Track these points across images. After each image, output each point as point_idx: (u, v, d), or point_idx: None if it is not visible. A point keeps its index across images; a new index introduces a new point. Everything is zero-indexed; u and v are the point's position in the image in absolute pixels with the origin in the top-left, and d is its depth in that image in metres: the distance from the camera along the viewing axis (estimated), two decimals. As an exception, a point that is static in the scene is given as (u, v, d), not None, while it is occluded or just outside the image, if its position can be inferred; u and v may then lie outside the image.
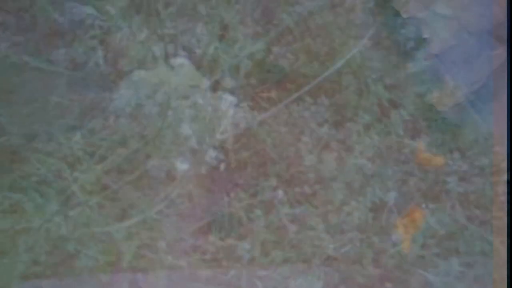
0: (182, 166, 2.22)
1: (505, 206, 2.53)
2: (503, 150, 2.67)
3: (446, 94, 2.45)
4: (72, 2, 2.23)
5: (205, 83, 2.31)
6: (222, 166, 2.29)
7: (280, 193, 2.23)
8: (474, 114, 2.64)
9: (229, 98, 2.33)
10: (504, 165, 2.61)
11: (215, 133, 2.23)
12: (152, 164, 2.17)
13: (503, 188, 2.60)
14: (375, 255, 2.26)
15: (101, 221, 2.07)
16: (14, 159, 2.14)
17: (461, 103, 2.46)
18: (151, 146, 2.20)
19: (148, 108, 2.27)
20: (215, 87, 2.37)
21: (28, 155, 2.13)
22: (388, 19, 2.50)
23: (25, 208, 2.07)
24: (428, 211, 2.36)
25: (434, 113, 2.60)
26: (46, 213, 2.06)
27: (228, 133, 2.24)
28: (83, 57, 2.29)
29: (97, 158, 2.18)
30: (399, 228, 2.30)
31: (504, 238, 2.43)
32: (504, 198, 2.57)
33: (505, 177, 2.60)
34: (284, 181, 2.30)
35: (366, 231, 2.31)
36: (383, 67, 2.59)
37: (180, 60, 2.32)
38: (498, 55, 2.56)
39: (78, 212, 2.06)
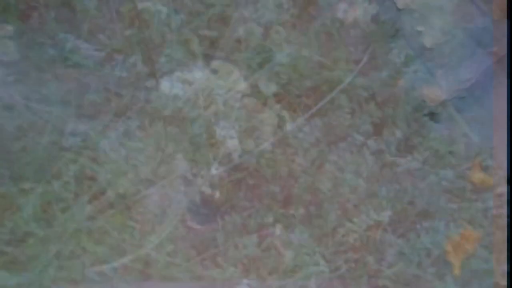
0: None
1: (499, 222, 2.55)
2: (497, 163, 2.70)
3: (436, 89, 2.45)
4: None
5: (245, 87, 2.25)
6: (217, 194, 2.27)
7: (277, 229, 2.22)
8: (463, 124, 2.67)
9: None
10: (497, 178, 2.64)
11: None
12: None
13: (497, 203, 2.63)
14: (370, 276, 2.26)
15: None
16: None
17: (451, 100, 2.47)
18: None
19: (187, 111, 2.18)
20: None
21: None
22: (381, 39, 2.52)
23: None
24: (423, 230, 2.37)
25: (427, 130, 2.62)
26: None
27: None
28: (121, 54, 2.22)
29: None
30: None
31: (499, 254, 2.45)
32: (497, 211, 2.60)
33: (498, 190, 2.63)
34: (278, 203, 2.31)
35: (361, 251, 2.31)
36: (374, 84, 2.60)
37: (222, 63, 2.25)
38: (493, 53, 2.55)
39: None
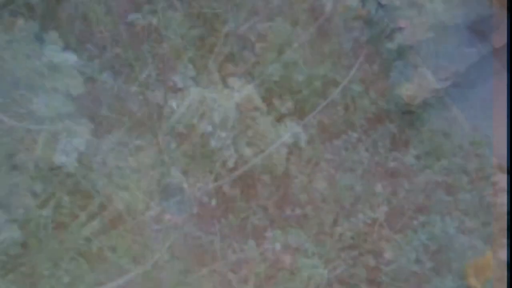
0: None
1: (495, 211, 2.56)
2: (490, 152, 2.70)
3: (415, 88, 2.44)
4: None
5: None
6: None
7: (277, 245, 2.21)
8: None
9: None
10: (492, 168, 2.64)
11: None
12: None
13: (490, 191, 2.63)
14: (368, 273, 2.28)
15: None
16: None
17: (429, 98, 2.47)
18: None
19: (202, 128, 2.13)
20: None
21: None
22: (374, 36, 2.48)
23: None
24: (420, 224, 2.37)
25: (421, 122, 2.61)
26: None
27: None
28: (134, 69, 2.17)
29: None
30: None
31: (496, 246, 2.46)
32: (492, 199, 2.61)
33: (492, 179, 2.63)
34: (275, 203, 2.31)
35: (359, 248, 2.32)
36: (366, 78, 2.58)
37: (239, 80, 2.20)
38: (474, 53, 2.54)
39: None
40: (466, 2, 2.50)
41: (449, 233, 2.36)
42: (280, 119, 2.28)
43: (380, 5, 2.41)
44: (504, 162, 2.62)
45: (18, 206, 1.85)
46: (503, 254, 2.50)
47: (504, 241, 2.50)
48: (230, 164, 2.10)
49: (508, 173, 2.58)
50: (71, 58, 1.91)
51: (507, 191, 2.55)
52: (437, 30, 2.42)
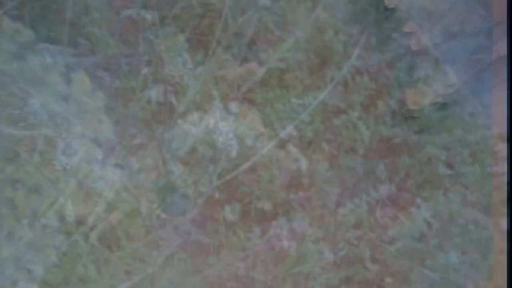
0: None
1: (496, 181, 2.56)
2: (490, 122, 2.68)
3: (419, 94, 2.41)
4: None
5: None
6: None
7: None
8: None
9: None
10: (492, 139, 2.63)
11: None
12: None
13: (491, 162, 2.63)
14: (373, 252, 2.29)
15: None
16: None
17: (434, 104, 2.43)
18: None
19: (202, 152, 2.12)
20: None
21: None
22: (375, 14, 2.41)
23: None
24: (423, 200, 2.37)
25: (422, 95, 2.57)
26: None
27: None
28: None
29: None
30: None
31: (497, 217, 2.48)
32: (491, 169, 2.61)
33: (496, 148, 2.62)
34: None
35: (363, 227, 2.32)
36: (364, 52, 2.53)
37: (240, 106, 2.18)
38: (479, 60, 2.50)
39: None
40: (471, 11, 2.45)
41: (453, 209, 2.37)
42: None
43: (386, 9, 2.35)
44: (505, 131, 2.61)
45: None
46: (504, 224, 2.52)
47: (505, 210, 2.52)
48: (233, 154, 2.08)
49: (508, 141, 2.57)
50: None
51: (507, 160, 2.54)
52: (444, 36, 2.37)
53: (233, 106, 2.16)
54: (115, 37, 2.02)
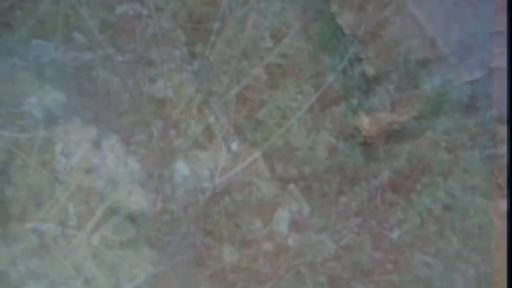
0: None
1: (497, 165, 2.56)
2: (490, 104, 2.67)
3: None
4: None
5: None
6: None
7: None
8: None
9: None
10: (492, 123, 2.62)
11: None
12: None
13: (491, 145, 2.62)
14: (374, 239, 2.29)
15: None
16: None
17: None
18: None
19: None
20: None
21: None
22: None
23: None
24: (423, 187, 2.36)
25: (420, 79, 2.55)
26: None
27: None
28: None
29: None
30: None
31: (497, 201, 2.48)
32: (491, 152, 2.60)
33: (497, 136, 2.61)
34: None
35: (364, 215, 2.32)
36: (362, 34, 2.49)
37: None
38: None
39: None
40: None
41: (453, 194, 2.37)
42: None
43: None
44: (504, 114, 2.60)
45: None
46: (503, 205, 2.53)
47: (505, 193, 2.52)
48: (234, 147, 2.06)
49: (508, 123, 2.56)
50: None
51: (507, 141, 2.54)
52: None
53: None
54: (110, 34, 1.98)
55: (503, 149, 2.55)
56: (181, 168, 2.04)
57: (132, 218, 1.92)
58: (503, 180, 2.51)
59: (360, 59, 2.43)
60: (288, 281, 2.09)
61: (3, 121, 1.81)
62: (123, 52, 1.98)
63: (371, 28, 2.36)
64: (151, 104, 2.01)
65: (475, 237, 2.31)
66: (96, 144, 1.92)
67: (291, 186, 2.24)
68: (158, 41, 2.00)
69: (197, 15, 2.11)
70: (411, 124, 2.42)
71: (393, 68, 2.48)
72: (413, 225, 2.28)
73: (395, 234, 2.28)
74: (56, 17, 1.94)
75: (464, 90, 2.54)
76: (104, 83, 1.98)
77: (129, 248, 1.88)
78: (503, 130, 2.59)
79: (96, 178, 1.86)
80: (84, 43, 1.97)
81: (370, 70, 2.44)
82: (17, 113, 1.82)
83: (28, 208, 1.76)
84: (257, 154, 2.16)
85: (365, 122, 2.39)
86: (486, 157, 2.51)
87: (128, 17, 1.98)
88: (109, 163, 1.87)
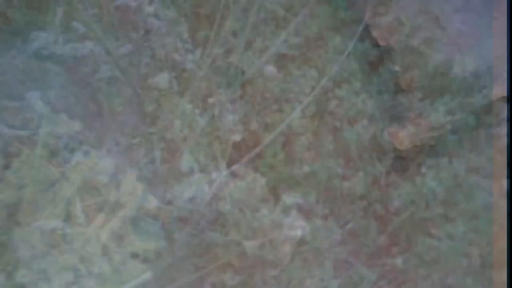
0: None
1: (498, 144, 2.54)
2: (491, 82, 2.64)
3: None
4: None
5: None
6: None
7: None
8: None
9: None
10: (497, 102, 2.59)
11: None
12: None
13: (495, 123, 2.60)
14: (379, 222, 2.29)
15: None
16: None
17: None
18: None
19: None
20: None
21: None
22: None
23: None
24: (428, 168, 2.35)
25: (424, 58, 2.52)
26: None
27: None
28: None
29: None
30: None
31: (500, 181, 2.47)
32: (495, 132, 2.58)
33: (499, 116, 2.59)
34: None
35: (368, 199, 2.31)
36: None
37: (246, 170, 2.13)
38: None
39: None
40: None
41: (458, 176, 2.36)
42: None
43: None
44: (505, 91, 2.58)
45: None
46: (504, 183, 2.52)
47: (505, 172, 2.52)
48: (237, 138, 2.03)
49: (507, 101, 2.54)
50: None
51: (507, 121, 2.52)
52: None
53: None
54: (110, 26, 1.92)
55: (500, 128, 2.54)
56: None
57: (140, 212, 1.91)
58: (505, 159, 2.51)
59: (363, 41, 2.40)
60: (294, 268, 2.10)
61: (4, 115, 1.77)
62: (124, 43, 1.93)
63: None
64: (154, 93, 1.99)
65: (479, 219, 2.31)
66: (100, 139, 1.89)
67: (296, 171, 2.22)
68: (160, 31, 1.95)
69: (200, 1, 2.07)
70: (416, 104, 2.39)
71: (397, 48, 2.44)
72: (418, 208, 2.27)
73: (400, 217, 2.27)
74: (55, 7, 1.88)
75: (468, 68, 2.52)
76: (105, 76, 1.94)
77: (138, 242, 1.87)
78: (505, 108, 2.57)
79: (101, 172, 1.84)
80: (84, 33, 1.92)
81: (373, 52, 2.41)
82: (19, 107, 1.78)
83: (35, 206, 1.74)
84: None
85: (369, 105, 2.36)
86: (491, 136, 2.50)
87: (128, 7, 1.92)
88: (114, 157, 1.85)
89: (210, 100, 2.07)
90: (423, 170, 2.32)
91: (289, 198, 2.10)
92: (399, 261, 2.27)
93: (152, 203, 1.86)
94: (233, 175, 2.09)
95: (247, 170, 2.07)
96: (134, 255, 1.86)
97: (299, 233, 2.07)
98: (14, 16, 1.84)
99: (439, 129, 2.41)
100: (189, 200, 1.95)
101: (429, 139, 2.39)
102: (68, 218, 1.79)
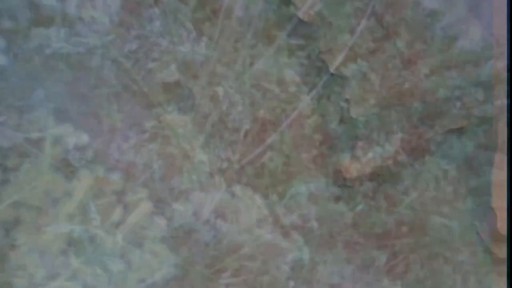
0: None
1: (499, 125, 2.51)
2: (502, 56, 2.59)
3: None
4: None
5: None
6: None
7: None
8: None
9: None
10: (504, 75, 2.55)
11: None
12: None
13: (501, 93, 2.57)
14: (388, 203, 2.27)
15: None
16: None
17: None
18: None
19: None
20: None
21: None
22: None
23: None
24: (436, 146, 2.32)
25: (430, 32, 2.46)
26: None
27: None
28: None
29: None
30: None
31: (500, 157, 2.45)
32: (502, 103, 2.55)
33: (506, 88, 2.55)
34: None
35: (377, 178, 2.29)
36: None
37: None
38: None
39: None
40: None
41: (467, 152, 2.33)
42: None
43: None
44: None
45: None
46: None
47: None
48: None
49: (508, 71, 2.50)
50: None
51: (507, 91, 2.48)
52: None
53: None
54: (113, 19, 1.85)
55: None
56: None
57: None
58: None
59: (369, 18, 2.33)
60: (307, 253, 2.10)
61: (10, 117, 1.72)
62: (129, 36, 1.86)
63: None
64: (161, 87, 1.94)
65: (489, 195, 2.30)
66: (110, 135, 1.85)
67: (304, 155, 2.19)
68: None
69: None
70: (423, 81, 2.35)
71: (402, 23, 2.38)
72: (427, 187, 2.26)
73: (410, 197, 2.26)
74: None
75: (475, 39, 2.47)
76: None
77: (154, 241, 1.86)
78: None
79: (113, 170, 1.81)
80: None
81: (378, 28, 2.35)
82: (25, 107, 1.72)
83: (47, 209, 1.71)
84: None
85: (376, 84, 2.32)
86: (498, 109, 2.47)
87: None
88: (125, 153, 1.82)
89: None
90: (433, 148, 2.30)
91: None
92: (410, 240, 2.27)
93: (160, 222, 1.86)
94: (232, 194, 2.09)
95: (246, 190, 2.06)
96: (151, 254, 1.86)
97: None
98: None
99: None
100: (189, 217, 1.94)
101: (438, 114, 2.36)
102: (82, 220, 1.77)
